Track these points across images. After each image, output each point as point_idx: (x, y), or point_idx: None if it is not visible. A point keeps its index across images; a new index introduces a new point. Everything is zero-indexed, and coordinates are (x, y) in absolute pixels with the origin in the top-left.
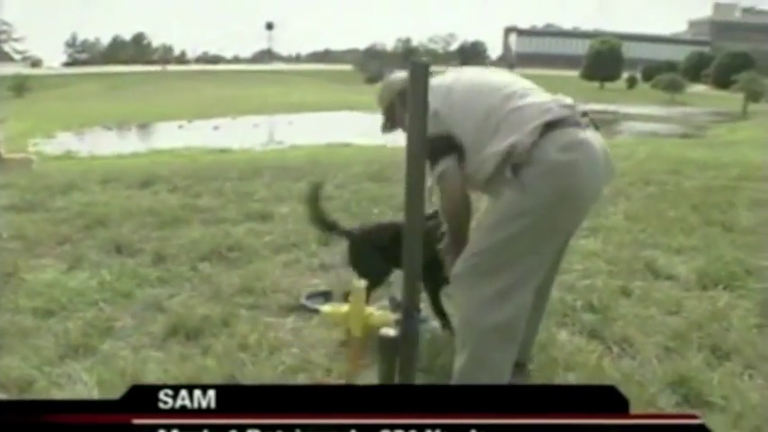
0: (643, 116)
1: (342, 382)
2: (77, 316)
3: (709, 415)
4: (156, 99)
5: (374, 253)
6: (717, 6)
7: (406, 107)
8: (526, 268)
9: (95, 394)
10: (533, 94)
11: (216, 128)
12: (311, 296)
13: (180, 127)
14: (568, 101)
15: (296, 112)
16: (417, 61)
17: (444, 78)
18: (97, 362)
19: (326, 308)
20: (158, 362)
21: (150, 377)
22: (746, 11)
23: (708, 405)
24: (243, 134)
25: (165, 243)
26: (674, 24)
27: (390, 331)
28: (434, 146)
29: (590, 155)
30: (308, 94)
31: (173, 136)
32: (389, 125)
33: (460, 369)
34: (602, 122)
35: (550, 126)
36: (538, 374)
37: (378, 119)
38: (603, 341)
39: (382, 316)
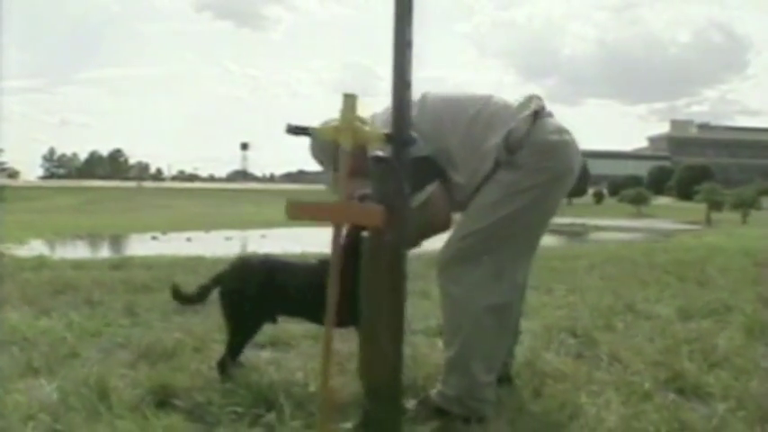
0: (611, 227)
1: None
2: (42, 345)
3: (707, 406)
4: (130, 213)
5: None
6: (673, 123)
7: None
8: (520, 248)
9: (54, 398)
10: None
11: (189, 239)
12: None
13: (153, 238)
14: (536, 95)
15: (269, 227)
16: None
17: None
18: (60, 378)
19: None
20: (121, 376)
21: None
22: (701, 127)
23: (705, 397)
24: (216, 246)
25: (137, 300)
26: (635, 141)
27: (381, 152)
28: (417, 170)
29: (573, 138)
30: (281, 211)
31: (146, 246)
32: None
33: (454, 355)
34: (572, 234)
35: (538, 114)
36: (526, 387)
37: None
38: (591, 360)
39: (373, 131)
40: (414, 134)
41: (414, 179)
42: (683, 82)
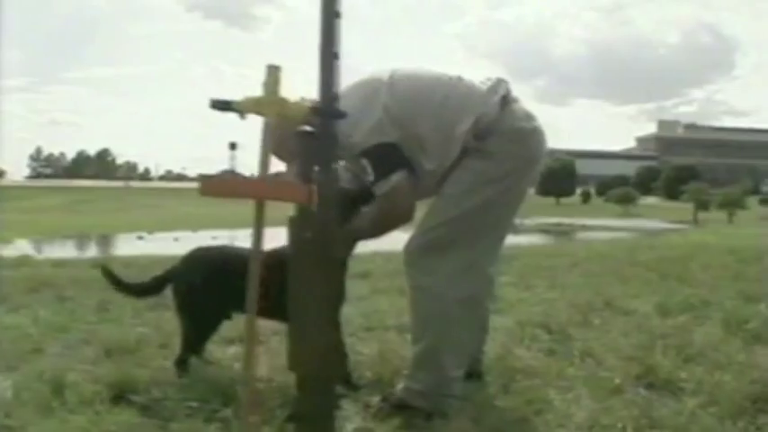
0: (598, 227)
1: None
2: (5, 341)
3: (678, 401)
4: (118, 213)
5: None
6: (661, 123)
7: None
8: (492, 239)
9: (9, 394)
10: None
11: (176, 239)
12: None
13: (140, 238)
14: (503, 78)
15: None
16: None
17: (374, 75)
18: (18, 373)
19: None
20: (81, 371)
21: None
22: (688, 127)
23: (677, 392)
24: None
25: (111, 297)
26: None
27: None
28: (382, 157)
29: (541, 125)
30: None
31: (133, 246)
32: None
33: (423, 349)
34: (559, 233)
35: (506, 100)
36: (495, 383)
37: None
38: (564, 355)
39: (298, 104)
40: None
41: (378, 167)
42: (672, 82)
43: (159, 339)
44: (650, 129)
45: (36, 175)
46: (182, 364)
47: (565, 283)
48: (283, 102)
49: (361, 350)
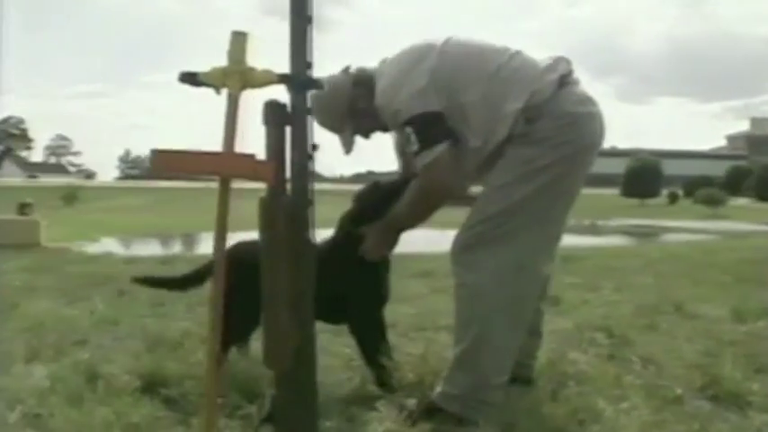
0: (682, 229)
1: None
2: (55, 332)
3: (743, 416)
4: (201, 213)
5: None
6: (753, 121)
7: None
8: (542, 235)
9: (46, 384)
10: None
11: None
12: None
13: None
14: (565, 57)
15: (326, 226)
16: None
17: (428, 41)
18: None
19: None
20: (119, 363)
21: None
22: None
23: (744, 406)
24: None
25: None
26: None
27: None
28: (427, 126)
29: (600, 110)
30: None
31: (210, 245)
32: (350, 138)
33: (463, 351)
34: (640, 235)
35: (564, 80)
36: (544, 389)
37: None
38: (622, 361)
39: (265, 73)
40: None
41: (422, 136)
42: (760, 78)
43: (203, 334)
44: (740, 127)
45: (124, 176)
46: (218, 358)
47: (633, 285)
48: (249, 71)
49: (408, 350)
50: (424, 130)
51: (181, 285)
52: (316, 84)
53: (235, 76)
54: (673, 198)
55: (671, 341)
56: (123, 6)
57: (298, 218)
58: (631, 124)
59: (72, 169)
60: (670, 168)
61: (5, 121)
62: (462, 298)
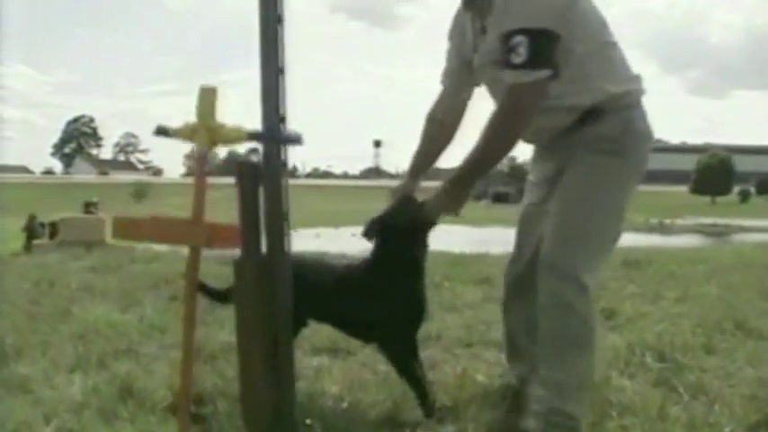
0: (756, 228)
1: None
2: (104, 340)
3: None
4: None
5: None
6: None
7: None
8: (606, 251)
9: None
10: None
11: (318, 235)
12: None
13: None
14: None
15: None
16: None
17: None
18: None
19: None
20: (156, 377)
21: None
22: None
23: None
24: (342, 241)
25: None
26: None
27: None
28: (545, 45)
29: None
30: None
31: None
32: None
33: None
34: (713, 235)
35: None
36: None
37: (479, 232)
38: (672, 389)
39: (235, 130)
40: (292, 130)
41: (534, 51)
42: None
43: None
44: None
45: (191, 173)
46: None
47: (697, 296)
48: (219, 128)
49: (447, 369)
50: (540, 46)
51: (224, 298)
52: (289, 139)
53: (203, 132)
54: (744, 196)
55: (729, 365)
56: (195, 5)
57: (273, 277)
58: (704, 119)
59: (140, 166)
60: (743, 165)
61: (77, 120)
62: (571, 325)
